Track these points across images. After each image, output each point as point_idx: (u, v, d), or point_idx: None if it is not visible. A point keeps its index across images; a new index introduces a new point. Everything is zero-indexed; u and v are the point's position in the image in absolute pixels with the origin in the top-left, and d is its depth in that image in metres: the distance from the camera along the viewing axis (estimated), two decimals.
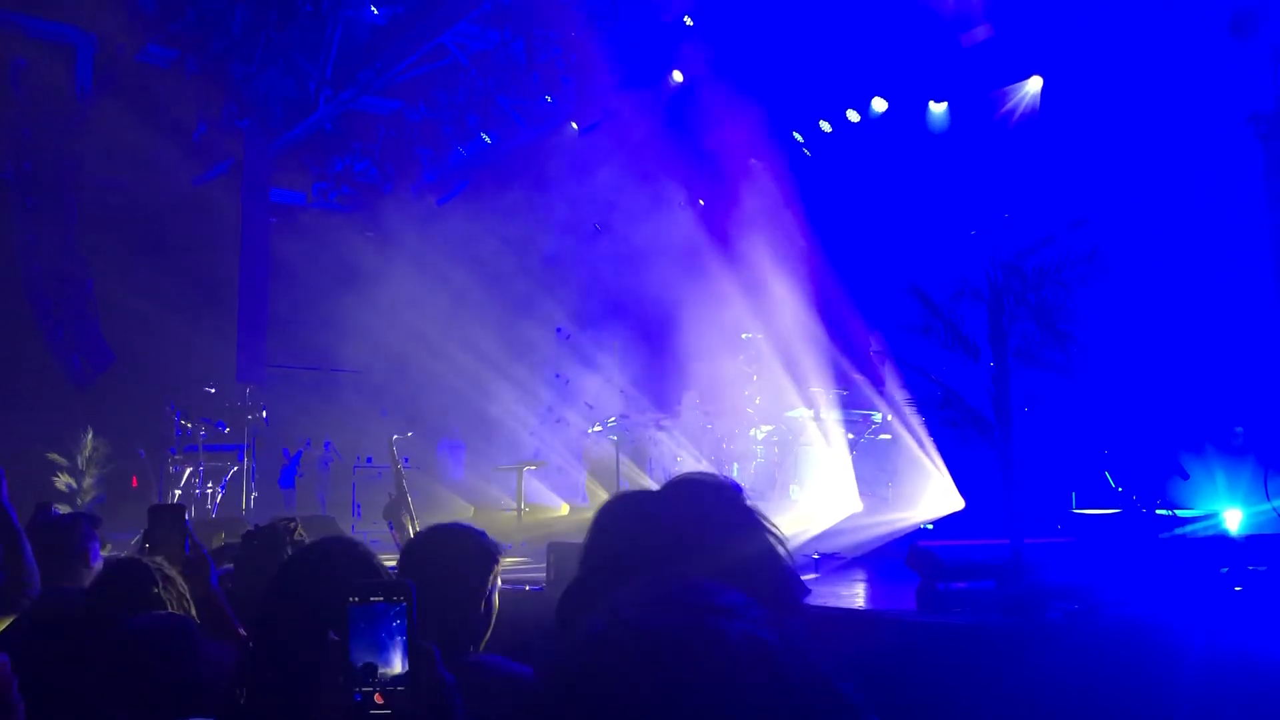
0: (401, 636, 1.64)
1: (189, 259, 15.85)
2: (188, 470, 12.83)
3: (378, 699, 1.61)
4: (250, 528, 3.72)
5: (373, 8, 13.05)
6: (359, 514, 14.00)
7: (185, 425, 12.83)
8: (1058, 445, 9.68)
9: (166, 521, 3.47)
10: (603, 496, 12.86)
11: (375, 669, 1.62)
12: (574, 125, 15.27)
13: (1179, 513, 9.14)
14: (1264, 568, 6.25)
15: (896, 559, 7.40)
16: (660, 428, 13.27)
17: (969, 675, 4.89)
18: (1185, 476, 6.57)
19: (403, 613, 1.64)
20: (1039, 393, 7.67)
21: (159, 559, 3.22)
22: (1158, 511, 7.11)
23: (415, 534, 2.96)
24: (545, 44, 13.93)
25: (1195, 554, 7.62)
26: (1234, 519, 8.84)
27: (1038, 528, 9.23)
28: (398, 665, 1.63)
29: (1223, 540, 8.04)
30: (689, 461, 12.94)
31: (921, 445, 11.31)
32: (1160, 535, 8.15)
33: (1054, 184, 10.62)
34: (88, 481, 13.44)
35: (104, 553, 4.35)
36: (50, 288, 14.70)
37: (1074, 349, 6.61)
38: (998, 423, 6.45)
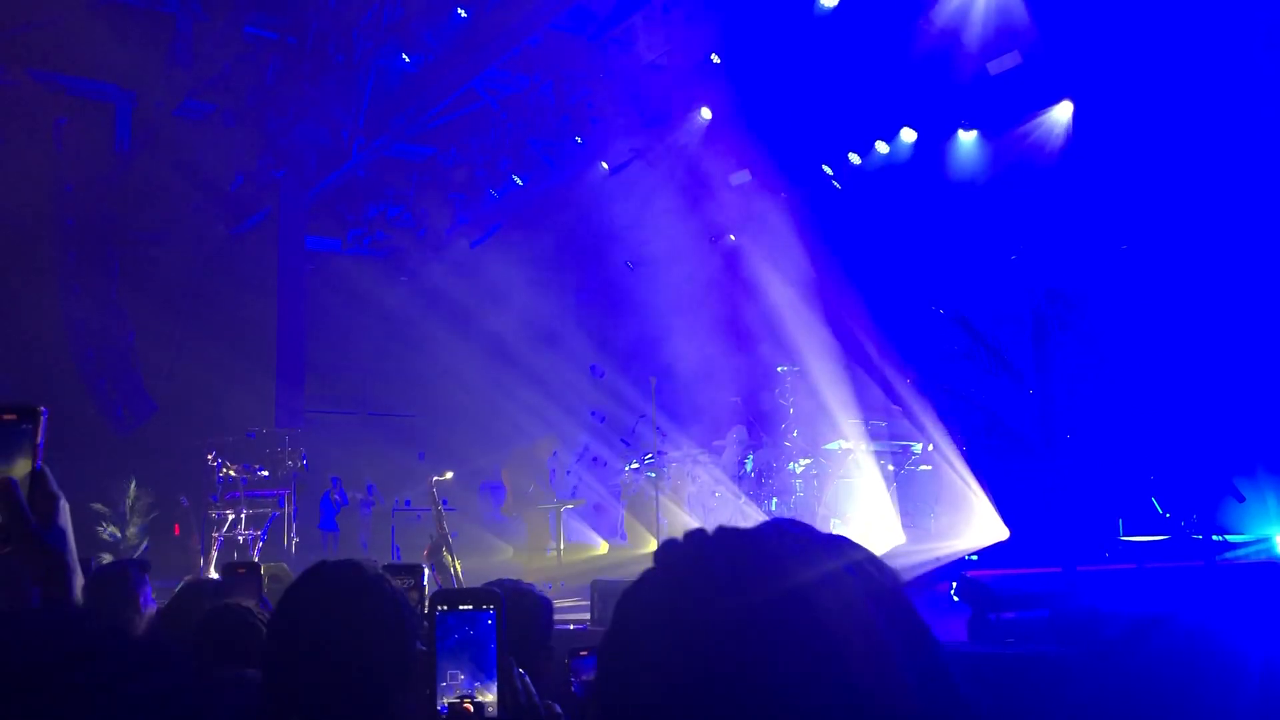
0: (491, 644, 1.59)
1: (227, 308, 15.96)
2: (229, 516, 12.83)
3: (466, 707, 1.55)
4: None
5: (404, 56, 13.16)
6: (398, 556, 13.94)
7: (226, 472, 12.84)
8: (1104, 471, 9.48)
9: (244, 578, 3.48)
10: (642, 533, 12.78)
11: (463, 679, 1.57)
12: (604, 165, 15.31)
13: (1230, 538, 8.91)
14: None
15: (940, 590, 7.24)
16: (697, 463, 13.16)
17: (1025, 706, 4.74)
18: (1241, 499, 6.38)
19: (491, 619, 1.59)
20: (1084, 417, 7.52)
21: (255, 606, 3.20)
22: (1213, 537, 6.92)
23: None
24: (574, 86, 14.00)
25: (1249, 579, 7.41)
26: None
27: (1085, 555, 9.02)
28: (486, 672, 1.57)
29: (1276, 565, 7.83)
30: (727, 496, 12.81)
31: (963, 475, 11.13)
32: (1213, 560, 7.94)
33: (1094, 207, 10.49)
34: (131, 530, 13.49)
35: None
36: (93, 340, 14.83)
37: (1119, 372, 6.47)
38: (1045, 448, 6.32)
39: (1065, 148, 11.57)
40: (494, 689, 1.59)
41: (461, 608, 1.62)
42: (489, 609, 1.62)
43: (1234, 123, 9.83)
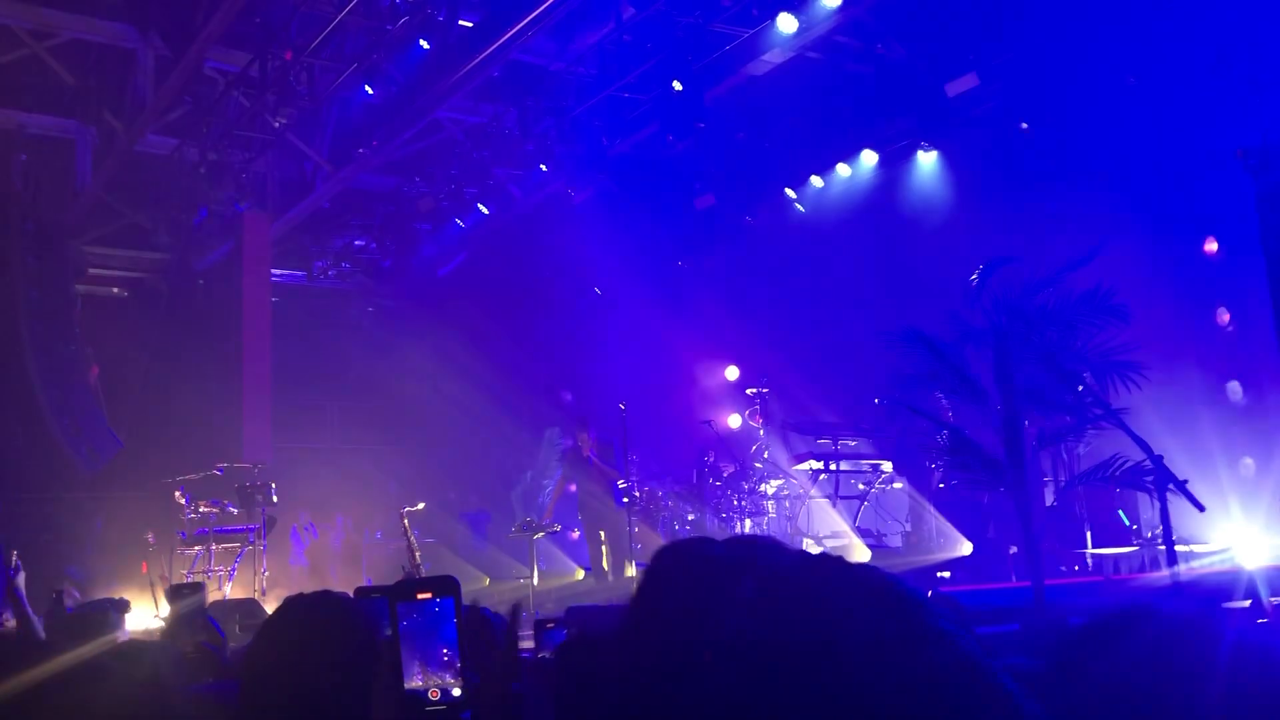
0: (452, 630, 1.63)
1: (193, 342, 15.90)
2: (198, 549, 12.73)
3: (432, 694, 1.60)
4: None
5: (366, 87, 13.21)
6: None
7: (194, 508, 12.75)
8: (1070, 485, 9.64)
9: (191, 603, 3.52)
10: (617, 560, 12.80)
11: (428, 664, 1.62)
12: (571, 192, 15.41)
13: (1195, 548, 9.08)
14: None
15: None
16: (670, 487, 13.23)
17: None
18: (1201, 509, 6.54)
19: (450, 606, 1.64)
20: (1048, 433, 7.65)
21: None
22: (1177, 548, 7.07)
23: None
24: (537, 115, 14.11)
25: (1214, 588, 7.56)
26: (1250, 551, 8.80)
27: (1053, 569, 9.16)
28: (450, 656, 1.62)
29: (1239, 573, 7.99)
30: (701, 521, 12.89)
31: (931, 492, 11.27)
32: (1178, 570, 8.11)
33: (1051, 225, 10.70)
34: (98, 569, 13.37)
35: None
36: (56, 377, 14.71)
37: (1081, 387, 6.61)
38: (1010, 465, 6.45)
39: (1023, 166, 11.78)
40: (458, 672, 1.64)
41: (421, 597, 1.67)
42: (447, 595, 1.67)
43: (1191, 140, 10.08)
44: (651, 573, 1.46)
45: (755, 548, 1.40)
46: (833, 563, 1.10)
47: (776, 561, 1.11)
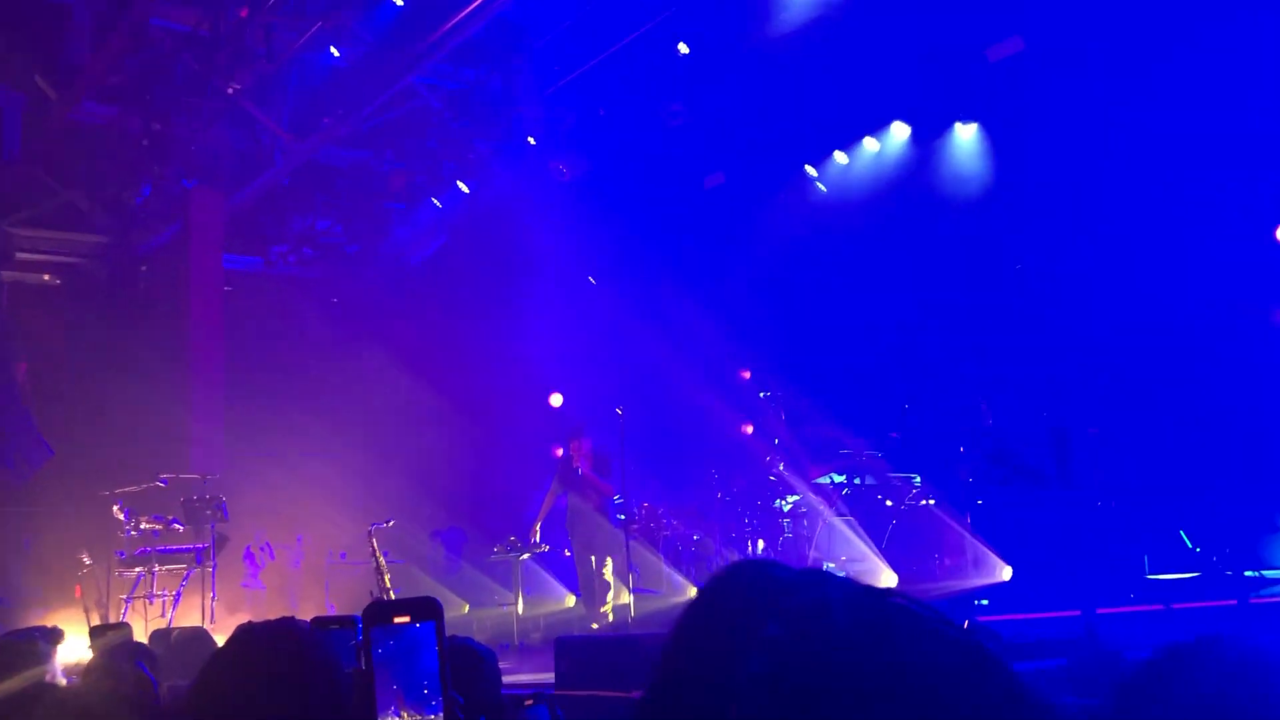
0: (433, 658, 1.63)
1: (134, 336, 15.87)
2: (138, 571, 12.71)
3: None
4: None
5: (332, 49, 13.20)
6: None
7: (135, 525, 12.74)
8: (1125, 503, 9.62)
9: (111, 641, 3.53)
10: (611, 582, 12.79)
11: (404, 697, 1.62)
12: (562, 169, 15.38)
13: (1266, 573, 9.07)
14: None
15: None
16: (672, 503, 13.22)
17: None
18: (1278, 530, 6.54)
19: (431, 631, 1.64)
20: (1101, 444, 7.64)
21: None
22: (1246, 573, 7.07)
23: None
24: (525, 80, 14.10)
25: None
26: None
27: (1106, 597, 9.15)
28: (429, 688, 1.62)
29: None
30: (707, 541, 12.88)
31: (967, 509, 11.26)
32: (1248, 598, 8.10)
33: (1103, 206, 10.68)
34: (26, 592, 13.36)
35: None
36: None
37: (1140, 395, 6.60)
38: (1059, 478, 6.43)
39: (1069, 139, 11.69)
40: (439, 705, 1.64)
41: (398, 621, 1.67)
42: (428, 621, 1.67)
43: (1259, 110, 10.05)
44: (710, 586, 1.52)
45: (819, 575, 1.44)
46: (900, 614, 1.09)
47: (819, 600, 1.11)
